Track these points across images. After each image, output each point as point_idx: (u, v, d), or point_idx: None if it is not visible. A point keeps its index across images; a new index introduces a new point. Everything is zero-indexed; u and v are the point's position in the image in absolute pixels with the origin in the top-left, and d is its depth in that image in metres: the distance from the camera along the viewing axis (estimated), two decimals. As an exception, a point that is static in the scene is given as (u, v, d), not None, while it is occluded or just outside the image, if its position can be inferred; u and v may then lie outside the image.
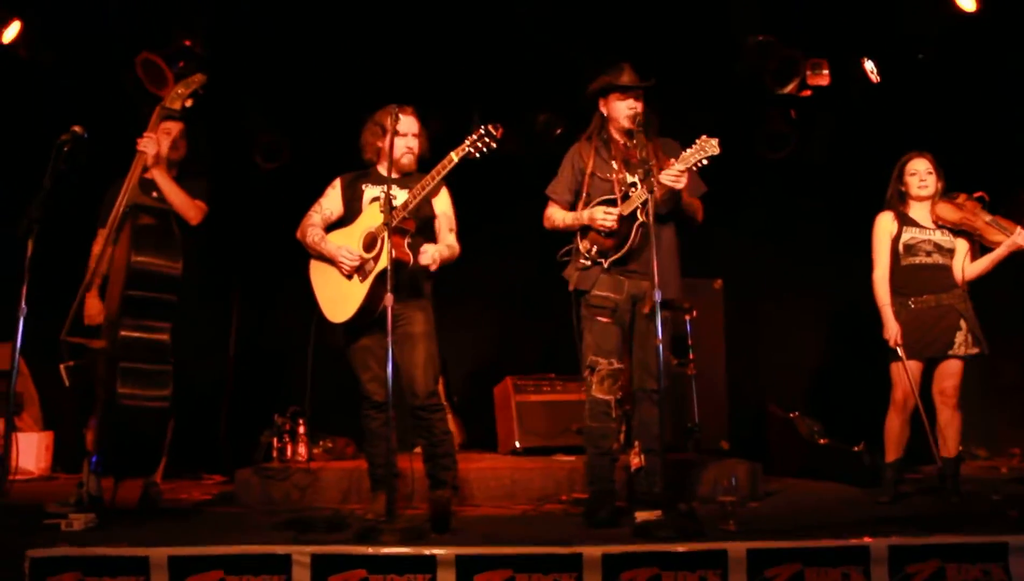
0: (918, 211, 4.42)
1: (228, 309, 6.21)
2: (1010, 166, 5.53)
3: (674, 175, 3.70)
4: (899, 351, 4.27)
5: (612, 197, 3.89)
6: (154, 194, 4.19)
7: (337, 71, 5.84)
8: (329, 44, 5.71)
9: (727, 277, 5.92)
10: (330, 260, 3.96)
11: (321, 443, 5.28)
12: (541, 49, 5.70)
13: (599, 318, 3.91)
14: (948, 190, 4.41)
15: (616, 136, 4.01)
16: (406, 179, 3.98)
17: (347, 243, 3.93)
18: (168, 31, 5.44)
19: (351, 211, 4.04)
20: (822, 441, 5.41)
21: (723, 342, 5.81)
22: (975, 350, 4.27)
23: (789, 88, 5.83)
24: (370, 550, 3.08)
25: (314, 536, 3.37)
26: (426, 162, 3.99)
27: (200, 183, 4.37)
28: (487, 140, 3.69)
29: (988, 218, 4.30)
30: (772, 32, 5.66)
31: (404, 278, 3.80)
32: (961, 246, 4.36)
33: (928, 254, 4.34)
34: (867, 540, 3.10)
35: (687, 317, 5.43)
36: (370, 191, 4.01)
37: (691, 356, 5.41)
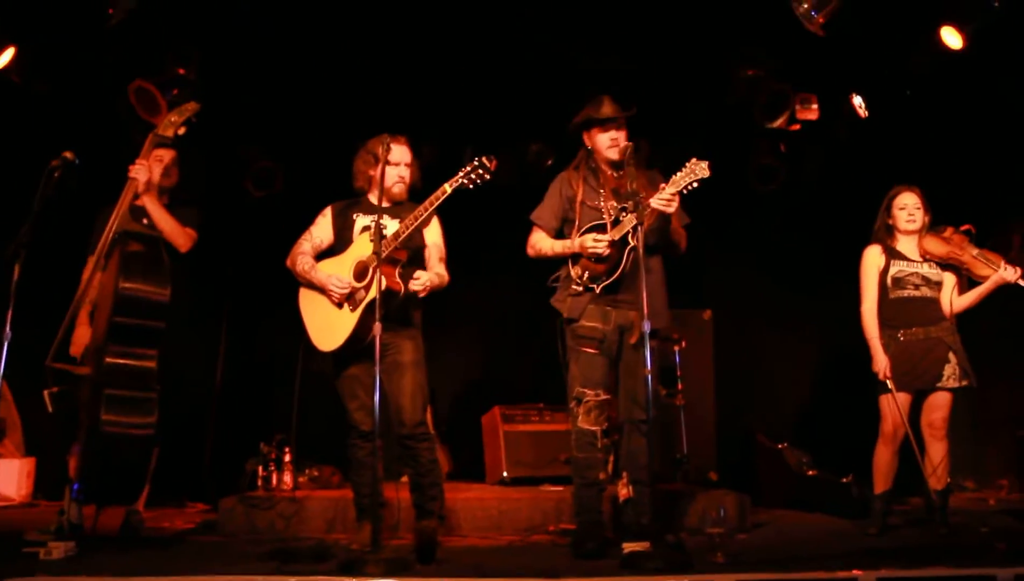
0: (905, 244, 4.45)
1: (216, 336, 6.18)
2: (996, 200, 5.58)
3: (665, 199, 3.71)
4: (888, 383, 4.28)
5: (602, 222, 3.89)
6: (144, 221, 4.18)
7: (330, 99, 5.87)
8: (323, 73, 5.75)
9: (716, 308, 5.95)
10: (320, 289, 3.94)
11: (307, 471, 5.24)
12: (534, 79, 5.75)
13: (585, 349, 3.90)
14: (935, 223, 4.45)
15: (603, 166, 4.02)
16: (397, 208, 3.98)
17: (338, 272, 3.92)
18: (162, 59, 5.47)
19: (342, 240, 4.03)
20: (811, 472, 5.39)
21: (712, 373, 5.82)
22: (964, 382, 4.28)
23: (779, 122, 5.90)
24: (355, 581, 3.04)
25: (298, 566, 3.34)
26: (418, 192, 4.00)
27: (191, 211, 4.38)
28: (481, 172, 3.70)
29: (975, 252, 4.32)
30: (762, 66, 5.74)
31: (394, 307, 3.79)
32: (948, 279, 4.39)
33: (916, 287, 4.37)
34: (856, 572, 3.10)
35: (676, 347, 5.44)
36: (361, 220, 4.00)
37: (679, 387, 5.41)
